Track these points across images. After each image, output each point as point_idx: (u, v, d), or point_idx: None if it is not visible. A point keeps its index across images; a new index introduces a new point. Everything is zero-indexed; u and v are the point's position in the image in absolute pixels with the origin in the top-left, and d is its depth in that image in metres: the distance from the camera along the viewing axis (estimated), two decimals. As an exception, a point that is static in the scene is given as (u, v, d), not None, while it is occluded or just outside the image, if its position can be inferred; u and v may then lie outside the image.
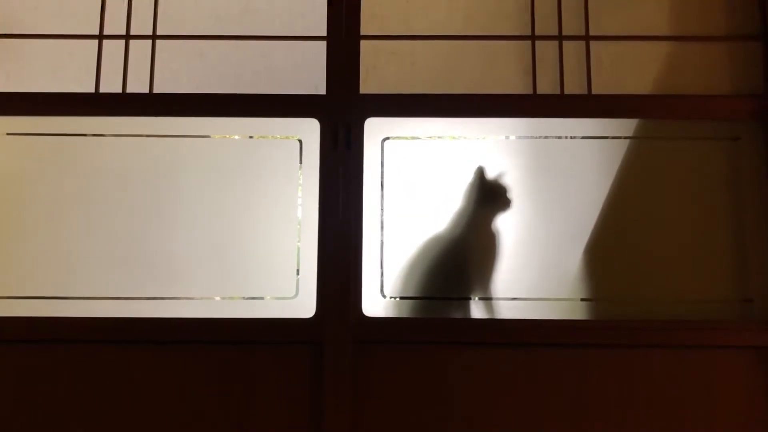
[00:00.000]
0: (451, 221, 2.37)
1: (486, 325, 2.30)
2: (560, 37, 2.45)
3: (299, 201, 2.35)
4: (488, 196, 2.37)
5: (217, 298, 2.31)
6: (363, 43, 2.41)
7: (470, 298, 2.34)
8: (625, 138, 2.40)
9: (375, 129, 2.37)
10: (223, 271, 2.32)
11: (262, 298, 2.31)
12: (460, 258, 2.38)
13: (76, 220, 2.35)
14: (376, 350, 2.22)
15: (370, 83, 2.42)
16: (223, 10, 2.50)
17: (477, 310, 2.32)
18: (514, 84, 2.44)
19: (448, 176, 2.39)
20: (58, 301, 2.30)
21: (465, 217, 2.37)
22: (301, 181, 2.36)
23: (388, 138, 2.39)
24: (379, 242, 2.34)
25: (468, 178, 2.38)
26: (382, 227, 2.34)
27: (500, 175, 2.38)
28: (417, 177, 2.38)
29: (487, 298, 2.33)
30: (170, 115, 2.38)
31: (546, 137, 2.40)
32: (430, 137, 2.40)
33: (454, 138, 2.41)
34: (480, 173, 2.38)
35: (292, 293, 2.30)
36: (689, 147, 2.39)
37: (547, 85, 2.42)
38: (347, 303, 2.24)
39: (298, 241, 2.33)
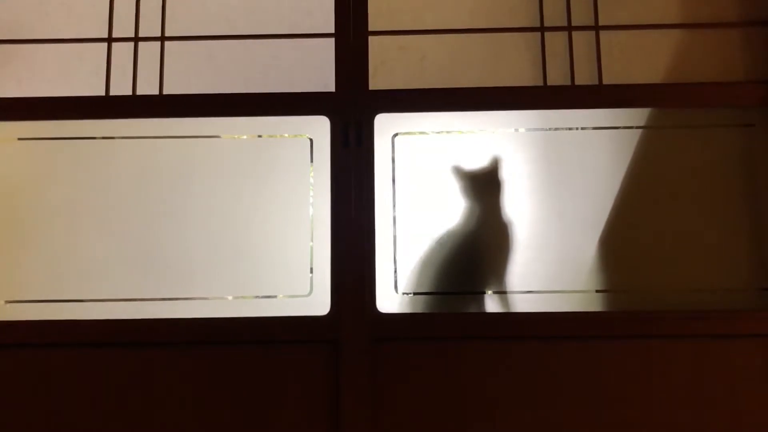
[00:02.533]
0: (463, 215, 2.36)
1: (501, 318, 2.29)
2: (569, 28, 2.43)
3: (311, 199, 2.35)
4: (478, 184, 2.36)
5: (230, 298, 2.31)
6: (371, 39, 2.41)
7: (484, 292, 2.33)
8: (637, 128, 2.39)
9: (385, 125, 2.36)
10: (237, 270, 2.32)
11: (275, 297, 2.31)
12: (474, 252, 2.37)
13: (89, 222, 2.36)
14: (391, 346, 2.22)
15: (379, 79, 2.41)
16: (230, 10, 2.50)
17: (492, 304, 2.32)
18: (524, 76, 2.42)
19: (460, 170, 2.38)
20: (72, 304, 2.30)
21: (474, 210, 2.37)
22: (312, 179, 2.36)
23: (398, 134, 2.38)
24: (392, 238, 2.33)
25: (456, 182, 2.37)
26: (394, 223, 2.34)
27: (475, 163, 2.36)
28: (428, 172, 2.38)
29: (501, 292, 2.32)
30: (180, 116, 2.39)
31: (557, 129, 2.39)
32: (441, 132, 2.40)
33: (464, 132, 2.40)
34: (457, 172, 2.36)
35: (306, 291, 2.30)
36: (702, 135, 2.38)
37: (557, 77, 2.41)
38: (362, 300, 2.23)
39: (311, 239, 2.32)
